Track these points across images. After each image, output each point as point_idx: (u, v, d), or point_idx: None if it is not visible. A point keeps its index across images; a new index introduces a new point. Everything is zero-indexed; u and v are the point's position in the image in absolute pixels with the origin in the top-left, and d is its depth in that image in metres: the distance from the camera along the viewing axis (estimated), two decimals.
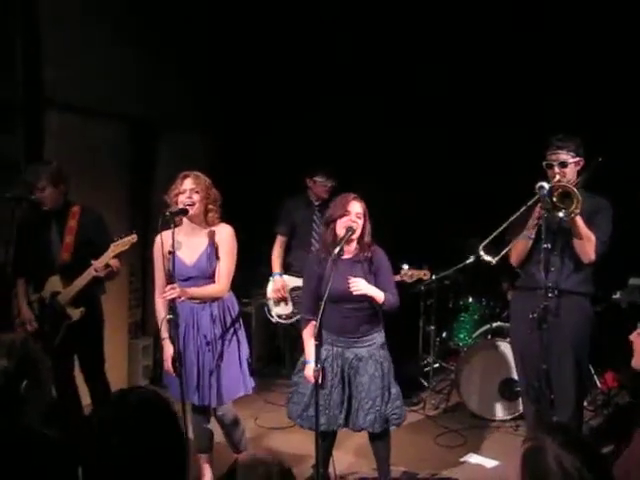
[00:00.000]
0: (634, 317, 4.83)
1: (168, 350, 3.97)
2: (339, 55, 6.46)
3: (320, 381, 3.78)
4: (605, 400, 5.47)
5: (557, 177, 4.08)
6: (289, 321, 5.56)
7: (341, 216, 3.87)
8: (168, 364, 3.96)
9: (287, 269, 5.61)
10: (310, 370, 3.85)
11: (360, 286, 3.81)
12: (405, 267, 4.78)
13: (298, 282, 5.17)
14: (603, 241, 4.03)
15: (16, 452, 2.04)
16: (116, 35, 5.62)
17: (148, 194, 6.25)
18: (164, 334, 3.98)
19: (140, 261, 6.22)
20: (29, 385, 2.20)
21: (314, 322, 3.89)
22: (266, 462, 1.89)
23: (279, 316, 5.60)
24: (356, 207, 3.88)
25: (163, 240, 3.90)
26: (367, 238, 3.93)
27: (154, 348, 6.20)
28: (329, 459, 4.03)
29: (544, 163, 4.13)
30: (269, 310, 5.63)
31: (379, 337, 4.01)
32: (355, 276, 3.84)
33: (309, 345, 3.93)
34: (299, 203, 5.66)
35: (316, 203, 5.58)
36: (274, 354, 6.73)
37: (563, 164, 4.06)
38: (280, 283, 5.53)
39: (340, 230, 3.86)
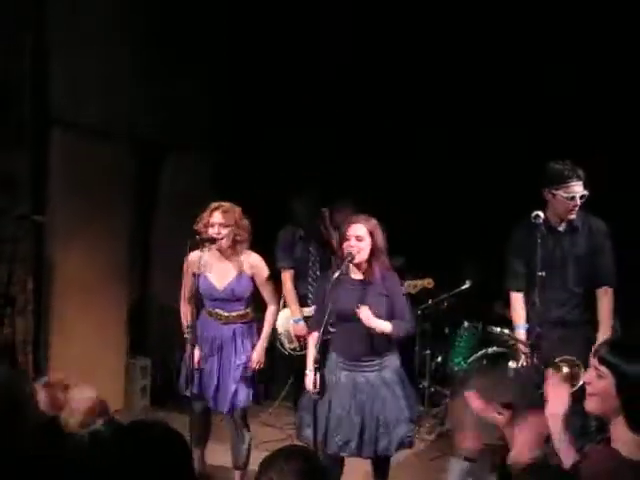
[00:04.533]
0: None
1: (196, 354, 4.32)
2: (343, 76, 6.52)
3: (318, 389, 3.83)
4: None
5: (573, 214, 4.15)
6: (303, 352, 5.09)
7: (345, 240, 3.90)
8: (195, 364, 4.30)
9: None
10: (310, 380, 3.86)
11: (364, 316, 3.78)
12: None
13: (305, 311, 5.31)
14: (614, 270, 4.18)
15: None
16: (124, 56, 5.69)
17: (152, 213, 6.33)
18: (192, 341, 4.28)
19: (140, 280, 6.27)
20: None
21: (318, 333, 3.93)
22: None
23: (293, 350, 5.46)
24: (356, 230, 3.86)
25: (194, 259, 4.30)
26: (378, 259, 3.89)
27: (152, 368, 6.22)
28: None
29: (564, 195, 4.05)
30: (282, 344, 5.51)
31: (391, 360, 3.96)
32: (365, 297, 3.84)
33: (311, 355, 3.94)
34: (295, 235, 5.53)
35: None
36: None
37: (583, 197, 4.07)
38: (303, 330, 5.19)
39: (344, 254, 3.89)
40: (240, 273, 4.33)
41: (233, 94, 6.75)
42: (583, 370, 3.86)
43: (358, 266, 3.92)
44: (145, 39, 5.93)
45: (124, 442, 1.75)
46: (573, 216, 4.14)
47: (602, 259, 4.20)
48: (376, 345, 3.89)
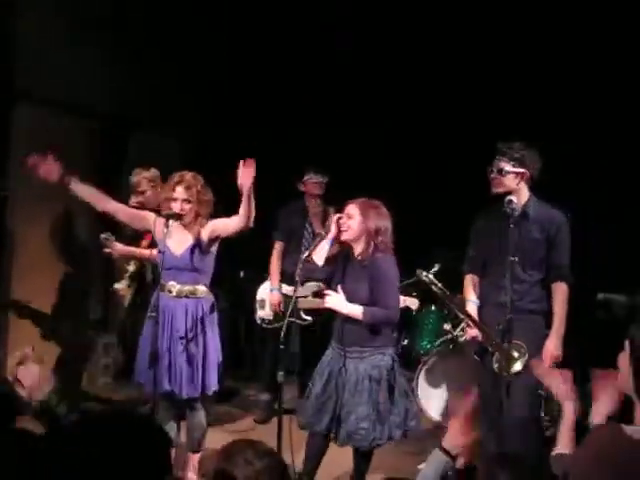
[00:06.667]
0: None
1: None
2: (319, 59, 6.48)
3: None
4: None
5: (496, 189, 4.16)
6: (270, 326, 5.55)
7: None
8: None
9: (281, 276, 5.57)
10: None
11: (331, 301, 3.86)
12: None
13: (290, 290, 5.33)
14: (567, 264, 4.16)
15: None
16: (91, 33, 5.61)
17: (117, 189, 6.20)
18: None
19: (104, 257, 6.17)
20: None
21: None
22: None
23: (262, 320, 5.60)
24: (348, 209, 3.93)
25: (159, 224, 4.12)
26: (369, 238, 3.88)
27: (116, 346, 6.16)
28: (314, 461, 4.04)
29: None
30: (255, 310, 5.67)
31: (376, 356, 3.88)
32: (345, 275, 3.92)
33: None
34: (293, 211, 5.66)
35: (313, 210, 5.59)
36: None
37: (500, 171, 4.09)
38: (277, 299, 5.50)
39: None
40: (197, 240, 4.15)
41: (202, 70, 6.67)
42: (525, 358, 3.89)
43: (352, 244, 3.96)
44: (113, 16, 5.84)
45: (105, 431, 1.72)
46: (498, 189, 4.14)
47: (555, 253, 4.17)
48: (358, 334, 3.88)
